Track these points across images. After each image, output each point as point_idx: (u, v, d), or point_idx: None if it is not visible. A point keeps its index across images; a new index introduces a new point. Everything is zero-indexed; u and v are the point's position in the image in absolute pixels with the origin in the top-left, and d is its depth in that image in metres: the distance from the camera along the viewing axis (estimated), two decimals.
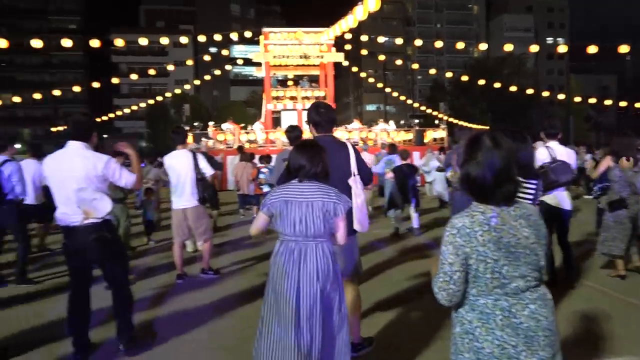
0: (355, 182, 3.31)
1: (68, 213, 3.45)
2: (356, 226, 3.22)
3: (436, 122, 26.04)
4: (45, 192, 6.39)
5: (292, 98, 22.53)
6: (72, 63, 61.36)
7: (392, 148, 9.75)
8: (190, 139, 20.17)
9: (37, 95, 24.89)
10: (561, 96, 35.33)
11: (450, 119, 31.82)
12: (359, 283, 5.06)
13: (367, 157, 11.01)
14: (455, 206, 6.41)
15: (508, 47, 21.89)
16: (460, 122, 32.70)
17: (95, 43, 16.64)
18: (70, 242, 3.52)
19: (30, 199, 6.31)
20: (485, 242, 1.70)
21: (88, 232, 3.45)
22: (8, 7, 59.78)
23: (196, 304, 4.86)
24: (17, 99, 27.31)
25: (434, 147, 18.26)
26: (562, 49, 53.52)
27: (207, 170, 5.55)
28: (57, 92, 25.62)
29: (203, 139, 20.09)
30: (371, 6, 8.66)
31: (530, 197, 3.02)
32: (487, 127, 38.73)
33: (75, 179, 3.40)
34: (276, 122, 23.20)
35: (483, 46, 25.88)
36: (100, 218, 3.47)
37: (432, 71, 29.93)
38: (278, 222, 2.61)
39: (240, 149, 14.34)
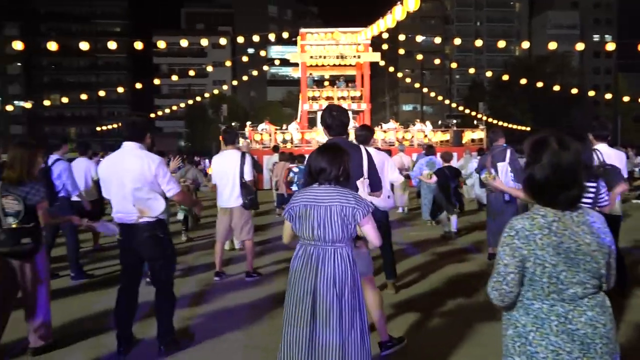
0: (363, 184, 3.36)
1: (124, 211, 3.57)
2: None
3: (475, 122, 25.44)
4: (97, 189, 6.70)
5: (328, 98, 22.55)
6: (116, 65, 63.60)
7: (429, 149, 9.57)
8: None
9: (84, 96, 25.92)
10: (608, 95, 33.89)
11: (490, 120, 31.09)
12: (398, 288, 5.11)
13: (405, 159, 10.92)
14: (491, 209, 6.27)
15: (552, 45, 21.17)
16: (500, 123, 31.88)
17: (138, 45, 17.16)
18: (125, 239, 3.66)
19: (81, 195, 6.52)
20: (544, 246, 1.68)
21: (142, 231, 3.56)
22: (58, 13, 62.57)
23: (234, 303, 4.93)
24: (65, 100, 28.50)
25: (472, 148, 17.87)
26: (610, 46, 51.22)
27: (247, 175, 5.51)
28: (102, 93, 26.61)
29: (241, 139, 20.37)
30: (411, 6, 8.53)
31: (589, 200, 2.92)
32: (528, 128, 37.65)
33: (131, 179, 3.49)
34: (312, 122, 23.29)
35: (525, 44, 25.09)
36: (154, 217, 3.55)
37: (472, 70, 29.32)
38: (297, 226, 2.60)
39: (276, 148, 14.51)
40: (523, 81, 29.02)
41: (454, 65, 34.17)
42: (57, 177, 5.69)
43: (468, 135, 21.80)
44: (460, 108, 37.42)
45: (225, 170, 5.53)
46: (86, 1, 63.56)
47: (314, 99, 22.53)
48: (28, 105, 39.76)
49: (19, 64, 59.31)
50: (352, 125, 21.39)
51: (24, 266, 3.59)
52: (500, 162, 5.92)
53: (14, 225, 3.44)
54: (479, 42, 22.37)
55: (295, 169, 9.63)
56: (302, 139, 20.56)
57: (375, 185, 3.57)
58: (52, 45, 16.01)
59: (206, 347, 3.89)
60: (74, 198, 6.02)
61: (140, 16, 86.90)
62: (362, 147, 3.61)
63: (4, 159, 4.56)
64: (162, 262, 3.69)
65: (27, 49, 16.80)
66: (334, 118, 3.41)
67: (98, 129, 45.04)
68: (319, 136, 20.54)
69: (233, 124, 22.07)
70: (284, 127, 22.31)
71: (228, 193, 5.53)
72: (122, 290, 3.75)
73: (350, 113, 21.10)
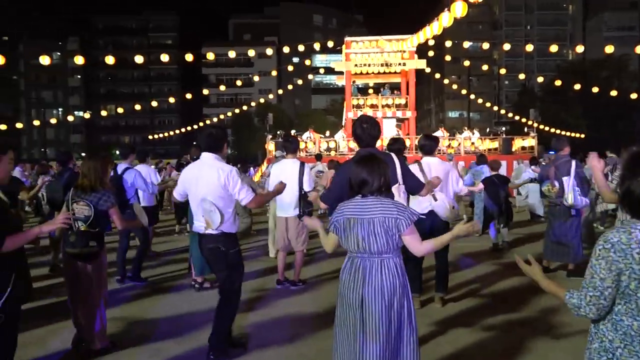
0: (398, 190, 3.45)
1: (197, 221, 3.75)
2: None
3: (525, 129, 24.58)
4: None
5: (373, 106, 22.49)
6: (168, 75, 66.14)
7: (481, 158, 9.26)
8: (272, 146, 20.93)
9: (137, 107, 27.05)
10: None
11: (541, 126, 29.95)
12: (445, 301, 4.97)
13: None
14: (553, 221, 6.01)
15: (609, 49, 20.17)
16: (552, 130, 30.64)
17: (189, 57, 17.79)
18: (199, 247, 3.86)
19: (144, 201, 6.80)
20: None
21: (206, 242, 3.69)
22: (114, 27, 65.93)
23: (281, 312, 4.98)
24: (120, 110, 29.92)
25: (523, 156, 17.26)
26: None
27: (307, 185, 5.53)
28: (154, 103, 27.73)
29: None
30: (458, 12, 8.40)
31: None
32: (582, 135, 35.95)
33: (205, 189, 3.62)
34: None
35: (580, 48, 24.08)
36: (218, 230, 3.62)
37: (522, 76, 28.40)
38: (343, 240, 2.63)
39: (319, 156, 14.56)
40: (577, 86, 27.77)
41: (503, 71, 33.08)
42: (130, 185, 5.88)
43: (518, 143, 21.12)
44: (510, 115, 36.28)
45: (285, 179, 5.58)
46: (140, 15, 66.60)
47: (358, 107, 22.51)
48: (87, 115, 41.95)
49: (79, 76, 62.77)
50: (395, 133, 21.34)
51: (86, 268, 3.79)
52: (565, 177, 5.68)
53: (82, 229, 3.69)
54: (529, 47, 21.62)
55: None
56: (348, 147, 20.58)
57: (414, 188, 3.70)
58: (110, 59, 16.88)
59: (251, 356, 3.92)
60: (143, 204, 6.21)
61: (190, 28, 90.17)
62: (392, 154, 3.68)
63: (78, 168, 4.86)
64: (225, 272, 3.75)
65: (86, 62, 17.79)
66: (364, 130, 3.47)
67: (150, 137, 46.85)
68: None
69: (278, 132, 22.37)
70: (327, 134, 22.32)
71: (286, 202, 5.57)
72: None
73: (394, 121, 20.96)
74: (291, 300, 5.39)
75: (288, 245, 5.78)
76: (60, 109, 62.60)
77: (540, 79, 37.53)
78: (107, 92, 65.98)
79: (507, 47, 24.06)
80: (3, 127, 30.72)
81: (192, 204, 3.76)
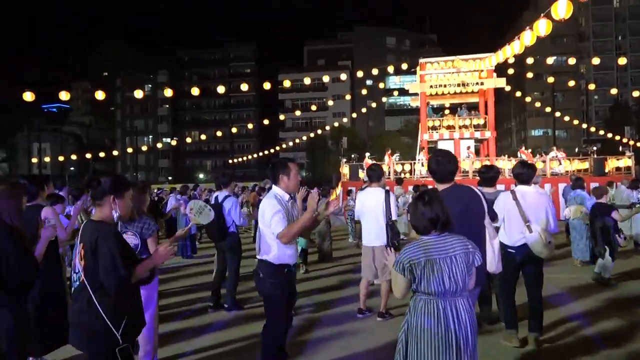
0: (489, 222, 3.39)
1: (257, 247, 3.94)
2: (490, 268, 3.37)
3: (620, 148, 22.62)
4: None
5: (449, 127, 21.90)
6: (247, 102, 69.25)
7: (577, 182, 8.58)
8: (346, 169, 20.99)
9: (219, 133, 28.57)
10: None
11: (639, 144, 27.46)
12: (541, 342, 4.55)
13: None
14: None
15: None
16: None
17: (266, 86, 18.55)
18: None
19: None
20: None
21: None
22: (198, 59, 70.55)
23: (362, 344, 4.85)
24: (203, 137, 31.70)
25: (617, 178, 15.88)
26: None
27: (394, 214, 5.45)
28: (234, 130, 29.07)
29: (360, 171, 20.49)
30: (542, 31, 7.97)
31: None
32: None
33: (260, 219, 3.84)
34: None
35: None
36: (261, 256, 3.76)
37: (614, 90, 26.33)
38: (423, 282, 2.49)
39: (400, 181, 14.27)
40: None
41: (592, 86, 30.80)
42: (227, 213, 5.97)
43: (612, 164, 19.43)
44: (601, 132, 33.66)
45: (370, 208, 5.54)
46: (221, 47, 70.71)
47: (434, 128, 22.03)
48: (173, 142, 44.92)
49: (167, 106, 67.62)
50: (466, 155, 20.47)
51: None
52: None
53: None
54: (622, 60, 20.02)
55: None
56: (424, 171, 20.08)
57: (494, 217, 3.70)
58: (195, 91, 18.00)
59: None
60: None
61: (267, 56, 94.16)
62: (473, 187, 3.55)
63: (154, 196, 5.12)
64: (264, 299, 3.80)
65: (174, 93, 19.20)
66: (439, 164, 3.37)
67: (230, 161, 49.08)
68: None
69: (352, 156, 22.41)
70: (396, 156, 21.56)
71: (372, 232, 5.52)
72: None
73: (473, 141, 20.25)
74: (372, 331, 5.26)
75: (375, 274, 5.65)
76: (150, 136, 67.61)
77: (635, 94, 34.55)
78: (191, 119, 70.30)
79: (596, 61, 22.44)
80: (102, 154, 33.77)
81: None
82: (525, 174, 4.47)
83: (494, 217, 3.61)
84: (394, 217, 5.43)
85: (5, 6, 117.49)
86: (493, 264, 3.39)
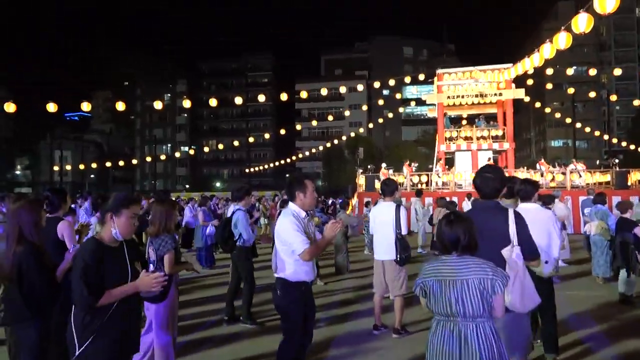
0: (511, 252, 3.03)
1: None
2: (509, 304, 2.92)
3: None
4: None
5: (467, 138, 21.73)
6: (264, 111, 69.78)
7: (598, 197, 8.35)
8: (362, 180, 20.93)
9: (236, 142, 28.86)
10: None
11: None
12: None
13: (562, 210, 9.80)
14: None
15: None
16: None
17: (283, 97, 18.70)
18: None
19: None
20: None
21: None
22: (217, 69, 71.42)
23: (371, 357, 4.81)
24: (220, 146, 32.00)
25: None
26: None
27: (404, 229, 5.45)
28: (251, 139, 29.29)
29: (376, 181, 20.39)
30: (562, 44, 7.87)
31: None
32: None
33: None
34: (450, 163, 22.57)
35: None
36: (278, 274, 3.77)
37: (636, 102, 25.83)
38: (432, 302, 2.50)
39: (419, 193, 14.13)
40: None
41: (613, 97, 30.26)
42: (233, 226, 6.02)
43: (635, 176, 18.98)
44: (623, 143, 32.99)
45: (381, 222, 5.57)
46: (239, 57, 71.52)
47: (451, 139, 21.88)
48: (191, 151, 45.49)
49: (185, 115, 68.53)
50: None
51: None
52: None
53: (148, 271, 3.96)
54: None
55: None
56: (442, 182, 19.96)
57: (530, 253, 3.16)
58: (213, 102, 18.22)
59: None
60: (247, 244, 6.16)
61: (284, 66, 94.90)
62: (511, 211, 3.23)
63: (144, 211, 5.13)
64: (281, 315, 3.84)
65: (192, 103, 19.48)
66: (484, 180, 3.27)
67: (247, 170, 49.41)
68: (457, 178, 19.78)
69: (369, 166, 22.36)
70: (413, 166, 21.35)
71: (382, 246, 5.55)
72: None
73: (490, 153, 19.94)
74: (389, 348, 5.20)
75: (386, 289, 5.64)
76: (169, 145, 68.54)
77: None
78: (209, 128, 71.08)
79: (618, 72, 22.07)
80: (121, 162, 34.34)
81: None
82: (524, 190, 4.32)
83: (522, 243, 3.12)
84: (403, 232, 5.42)
85: (22, 12, 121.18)
86: (516, 302, 3.02)
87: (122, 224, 2.74)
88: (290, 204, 3.84)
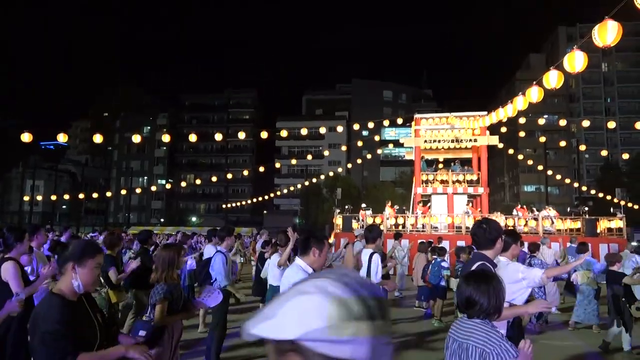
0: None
1: None
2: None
3: (611, 209, 22.82)
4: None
5: (443, 182, 22.12)
6: (244, 147, 69.92)
7: (582, 247, 8.46)
8: (339, 220, 20.93)
9: (214, 178, 28.77)
10: None
11: (629, 205, 27.76)
12: None
13: (550, 254, 10.00)
14: None
15: None
16: None
17: (264, 134, 18.85)
18: None
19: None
20: None
21: None
22: (199, 104, 71.81)
23: None
24: (198, 181, 31.79)
25: (608, 239, 15.95)
26: None
27: (373, 276, 5.33)
28: (229, 175, 29.23)
29: (354, 222, 20.41)
30: (533, 98, 8.27)
31: None
32: None
33: None
34: (425, 205, 22.84)
35: None
36: None
37: (604, 152, 26.92)
38: (446, 357, 2.51)
39: (398, 235, 14.12)
40: None
41: (582, 147, 31.56)
42: (211, 268, 5.91)
43: (604, 224, 19.53)
44: (592, 191, 34.09)
45: (361, 270, 5.56)
46: (222, 93, 72.22)
47: (427, 182, 22.24)
48: (168, 186, 45.02)
49: (164, 148, 68.14)
50: (465, 210, 20.58)
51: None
52: None
53: (140, 318, 3.89)
54: (612, 124, 20.61)
55: (445, 264, 9.17)
56: (415, 224, 20.10)
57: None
58: (193, 137, 18.24)
59: None
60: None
61: (266, 103, 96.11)
62: (485, 255, 3.30)
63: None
64: None
65: (172, 137, 19.48)
66: (481, 231, 3.36)
67: (224, 205, 48.96)
68: (433, 221, 19.99)
69: (346, 207, 22.44)
70: (387, 207, 21.54)
71: None
72: None
73: (466, 197, 20.22)
74: None
75: None
76: (145, 177, 67.66)
77: (625, 155, 35.37)
78: (188, 162, 70.66)
79: (586, 123, 23.04)
80: (95, 195, 33.58)
81: None
82: (504, 241, 4.27)
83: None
84: (374, 280, 5.30)
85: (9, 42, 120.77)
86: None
87: (85, 275, 2.45)
88: (299, 259, 3.60)
